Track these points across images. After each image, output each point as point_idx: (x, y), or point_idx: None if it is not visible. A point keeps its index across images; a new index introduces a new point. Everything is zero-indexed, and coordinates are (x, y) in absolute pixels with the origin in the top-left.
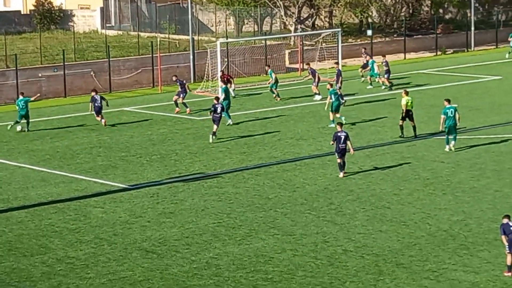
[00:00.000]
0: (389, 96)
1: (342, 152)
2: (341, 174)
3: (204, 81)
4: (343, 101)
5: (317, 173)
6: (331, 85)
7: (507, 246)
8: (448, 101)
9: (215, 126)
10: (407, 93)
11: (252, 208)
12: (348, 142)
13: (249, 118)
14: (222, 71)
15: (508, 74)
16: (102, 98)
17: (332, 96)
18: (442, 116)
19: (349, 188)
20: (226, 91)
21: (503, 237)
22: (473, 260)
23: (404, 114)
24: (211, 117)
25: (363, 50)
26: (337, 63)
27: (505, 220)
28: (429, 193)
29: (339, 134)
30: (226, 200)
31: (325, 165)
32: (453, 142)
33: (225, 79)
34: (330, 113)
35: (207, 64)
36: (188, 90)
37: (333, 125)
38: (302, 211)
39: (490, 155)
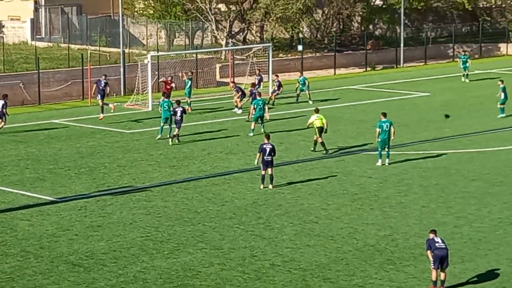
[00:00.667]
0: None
1: (266, 164)
2: (262, 186)
3: (134, 94)
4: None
5: (246, 187)
6: (259, 95)
7: (432, 262)
8: (384, 114)
9: (176, 130)
10: (317, 111)
11: (180, 222)
12: (273, 155)
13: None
14: (169, 78)
15: (436, 90)
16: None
17: (256, 106)
18: (377, 129)
19: (278, 202)
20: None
21: (428, 252)
22: (399, 275)
23: (317, 131)
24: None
25: (257, 72)
26: (277, 75)
27: (431, 235)
28: (357, 208)
29: (264, 146)
30: (154, 213)
31: (254, 179)
32: (387, 159)
33: (169, 87)
34: (252, 123)
35: (137, 77)
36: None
37: (251, 134)
38: (230, 225)
39: (417, 171)
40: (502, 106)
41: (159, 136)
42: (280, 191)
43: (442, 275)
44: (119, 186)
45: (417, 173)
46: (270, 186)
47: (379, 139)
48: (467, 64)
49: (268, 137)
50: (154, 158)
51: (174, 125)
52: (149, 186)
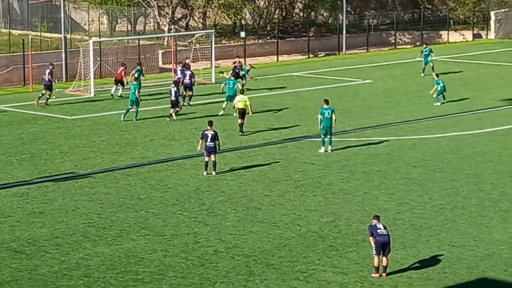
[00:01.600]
0: (261, 98)
1: (209, 151)
2: (205, 173)
3: (77, 80)
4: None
5: (189, 173)
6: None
7: (374, 248)
8: (326, 102)
9: (171, 109)
10: (242, 92)
11: (123, 208)
12: (217, 142)
13: (121, 117)
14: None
15: (378, 77)
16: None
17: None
18: (319, 116)
19: (221, 189)
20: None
21: (370, 238)
22: (342, 261)
23: (239, 112)
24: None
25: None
26: (238, 56)
27: (374, 221)
28: (300, 195)
29: (206, 132)
30: (97, 200)
31: (197, 166)
32: (329, 146)
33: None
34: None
35: (79, 63)
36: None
37: (222, 112)
38: (173, 211)
39: (359, 157)
40: (438, 96)
41: (122, 118)
42: (223, 177)
43: (384, 260)
44: (61, 172)
45: (360, 160)
46: (213, 173)
47: (321, 126)
48: (429, 58)
49: (210, 123)
50: (96, 144)
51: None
52: (92, 173)
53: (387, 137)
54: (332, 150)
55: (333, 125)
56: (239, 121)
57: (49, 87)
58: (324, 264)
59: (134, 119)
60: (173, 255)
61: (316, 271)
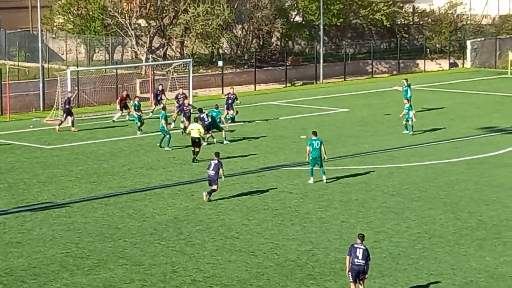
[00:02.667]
0: (238, 127)
1: (209, 179)
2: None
3: (54, 110)
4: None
5: (167, 203)
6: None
7: (348, 271)
8: (315, 133)
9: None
10: (196, 121)
11: (101, 238)
12: (221, 170)
13: (99, 147)
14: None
15: (355, 106)
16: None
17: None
18: (308, 147)
19: (199, 218)
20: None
21: (347, 257)
22: None
23: (193, 141)
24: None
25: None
26: (232, 88)
27: (357, 241)
28: (278, 223)
29: (211, 161)
30: (74, 230)
31: (175, 195)
32: (324, 176)
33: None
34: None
35: (57, 93)
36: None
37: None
38: (151, 241)
39: (337, 186)
40: (407, 123)
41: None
42: (201, 206)
43: (361, 287)
44: (38, 202)
45: (337, 188)
46: (205, 198)
47: (310, 158)
48: (409, 94)
49: (217, 154)
50: (74, 173)
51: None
52: (69, 202)
53: (364, 165)
54: (327, 182)
55: (324, 158)
56: (193, 148)
57: (68, 113)
58: None
59: (166, 147)
60: (151, 285)
61: None
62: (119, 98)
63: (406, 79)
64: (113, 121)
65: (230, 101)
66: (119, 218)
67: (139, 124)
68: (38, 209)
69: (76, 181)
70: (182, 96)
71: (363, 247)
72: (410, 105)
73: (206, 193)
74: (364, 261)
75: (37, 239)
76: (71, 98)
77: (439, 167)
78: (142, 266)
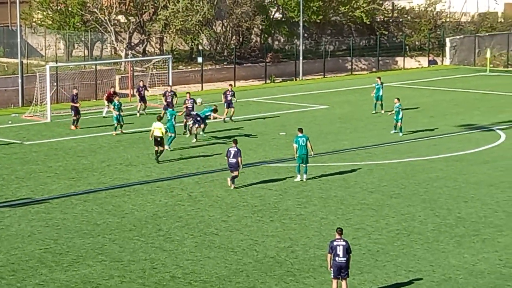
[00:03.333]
0: (218, 124)
1: (230, 167)
2: (231, 186)
3: (33, 105)
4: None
5: (146, 199)
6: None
7: (330, 268)
8: (301, 130)
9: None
10: (160, 119)
11: (79, 234)
12: (239, 158)
13: (78, 143)
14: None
15: (335, 103)
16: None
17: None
18: (294, 145)
19: (178, 214)
20: None
21: (328, 255)
22: (299, 287)
23: (155, 140)
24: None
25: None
26: (230, 84)
27: (336, 237)
28: (257, 220)
29: (230, 149)
30: (53, 226)
31: (154, 191)
32: (304, 175)
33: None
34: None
35: (36, 88)
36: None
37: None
38: (130, 237)
39: (316, 183)
40: (396, 124)
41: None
42: (180, 203)
43: (343, 285)
44: (17, 198)
45: (316, 185)
46: (232, 186)
47: (297, 155)
48: (380, 93)
49: (235, 141)
50: (53, 169)
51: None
52: (48, 198)
53: (343, 162)
54: (307, 179)
55: (310, 154)
56: (156, 148)
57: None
58: None
59: (167, 145)
60: (130, 281)
61: None
62: (106, 94)
63: (379, 78)
64: (104, 117)
65: (229, 97)
66: (98, 214)
67: (115, 124)
68: (16, 205)
69: (55, 177)
70: (170, 94)
71: (343, 243)
72: (399, 104)
73: (230, 180)
74: (345, 258)
75: (16, 235)
76: (76, 95)
77: (418, 164)
78: (121, 262)
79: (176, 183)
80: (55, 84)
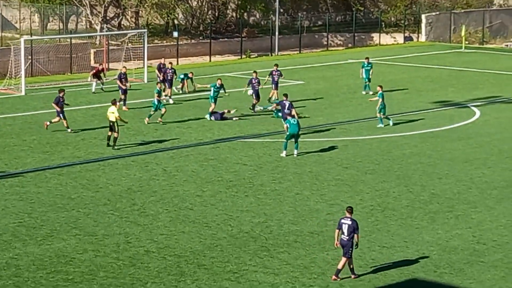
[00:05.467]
0: (194, 97)
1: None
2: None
3: (7, 79)
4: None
5: (121, 173)
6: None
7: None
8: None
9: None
10: (114, 103)
11: (54, 208)
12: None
13: (52, 117)
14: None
15: (310, 79)
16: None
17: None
18: (285, 125)
19: (153, 189)
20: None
21: (336, 230)
22: (273, 262)
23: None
24: None
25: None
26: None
27: (346, 214)
28: (232, 195)
29: (284, 101)
30: (27, 199)
31: (128, 166)
32: (295, 150)
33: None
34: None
35: (10, 62)
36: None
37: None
38: (105, 211)
39: (291, 158)
40: (380, 114)
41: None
42: (155, 177)
43: (342, 261)
44: None
45: (291, 161)
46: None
47: (288, 133)
48: (370, 73)
49: (286, 95)
50: (27, 143)
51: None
52: (22, 172)
53: (318, 138)
54: (298, 155)
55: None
56: (109, 133)
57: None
58: (255, 264)
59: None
60: (104, 255)
61: (248, 272)
62: (94, 71)
63: (367, 58)
64: (93, 92)
65: (276, 78)
66: (72, 188)
67: (152, 112)
68: None
69: (29, 151)
70: (171, 70)
71: (349, 222)
72: (382, 92)
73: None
74: (348, 237)
75: None
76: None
77: (393, 141)
78: (95, 236)
79: (151, 158)
80: (30, 57)
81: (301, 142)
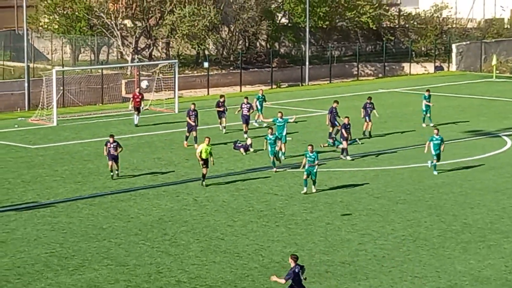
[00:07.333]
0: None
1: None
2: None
3: (39, 109)
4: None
5: (152, 203)
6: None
7: None
8: (311, 146)
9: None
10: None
11: (85, 238)
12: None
13: (84, 147)
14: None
15: (340, 109)
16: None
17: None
18: (304, 159)
19: (184, 219)
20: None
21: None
22: None
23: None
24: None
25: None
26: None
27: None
28: (263, 225)
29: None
30: (59, 229)
31: (160, 196)
32: (313, 187)
33: (138, 100)
34: None
35: (42, 92)
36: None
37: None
38: (136, 241)
39: (322, 188)
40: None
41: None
42: (186, 207)
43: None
44: (23, 201)
45: (322, 191)
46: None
47: (305, 169)
48: (430, 105)
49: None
50: (59, 173)
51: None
52: (54, 202)
53: (349, 168)
54: (316, 191)
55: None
56: (203, 170)
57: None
58: None
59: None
60: (135, 285)
61: None
62: (133, 97)
63: (428, 90)
64: (136, 125)
65: (369, 111)
66: (104, 218)
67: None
68: (22, 208)
69: (61, 181)
70: (246, 106)
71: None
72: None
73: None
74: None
75: (22, 239)
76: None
77: (424, 170)
78: (127, 266)
79: (182, 188)
80: (61, 88)
81: (332, 172)
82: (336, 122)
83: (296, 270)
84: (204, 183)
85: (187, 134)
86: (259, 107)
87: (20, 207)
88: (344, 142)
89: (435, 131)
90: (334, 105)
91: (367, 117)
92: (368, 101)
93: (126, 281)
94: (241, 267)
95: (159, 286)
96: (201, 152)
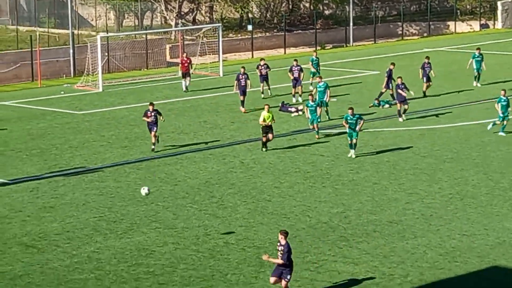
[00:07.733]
0: (269, 92)
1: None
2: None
3: (85, 76)
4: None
5: (199, 166)
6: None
7: None
8: (352, 109)
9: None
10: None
11: (133, 202)
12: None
13: (129, 112)
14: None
15: (385, 69)
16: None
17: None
18: (344, 122)
19: (231, 181)
20: None
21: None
22: (352, 252)
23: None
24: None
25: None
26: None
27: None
28: (309, 186)
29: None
30: (107, 194)
31: (206, 159)
32: (352, 150)
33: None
34: None
35: (87, 59)
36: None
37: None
38: (183, 204)
39: (368, 148)
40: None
41: None
42: (232, 170)
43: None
44: (71, 167)
45: (369, 151)
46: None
47: (347, 131)
48: (481, 65)
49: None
50: (105, 138)
51: None
52: (101, 167)
53: (395, 127)
54: (356, 156)
55: (357, 129)
56: (263, 138)
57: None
58: (334, 254)
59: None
60: (184, 248)
61: (327, 262)
62: (181, 62)
63: (479, 48)
64: (184, 91)
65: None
66: (151, 182)
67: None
68: (70, 174)
69: (108, 146)
70: (297, 68)
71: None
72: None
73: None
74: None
75: (70, 204)
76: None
77: (471, 129)
78: (175, 229)
79: (228, 151)
80: (106, 54)
81: (378, 132)
82: (390, 84)
83: (290, 246)
84: (264, 149)
85: (241, 98)
86: (313, 70)
87: (68, 173)
88: (399, 104)
89: (502, 92)
90: (391, 67)
91: (425, 78)
92: (426, 60)
93: (175, 244)
94: (289, 228)
95: (207, 248)
96: (264, 120)
